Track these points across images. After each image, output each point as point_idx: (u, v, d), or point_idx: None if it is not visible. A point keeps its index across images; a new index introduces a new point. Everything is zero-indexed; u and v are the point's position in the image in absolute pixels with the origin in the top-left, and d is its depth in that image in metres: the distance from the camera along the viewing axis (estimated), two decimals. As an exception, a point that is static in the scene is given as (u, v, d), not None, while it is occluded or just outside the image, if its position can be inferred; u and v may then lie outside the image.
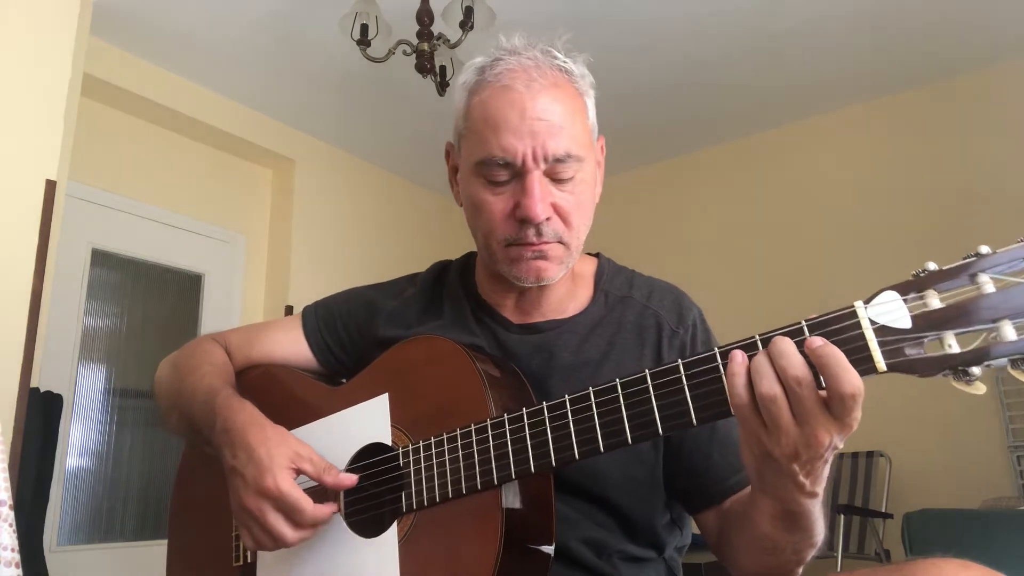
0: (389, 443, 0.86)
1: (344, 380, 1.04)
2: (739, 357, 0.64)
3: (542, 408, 0.75)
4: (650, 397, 0.69)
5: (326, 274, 3.99)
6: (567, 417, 0.74)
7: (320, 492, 0.84)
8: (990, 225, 3.39)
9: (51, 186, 2.30)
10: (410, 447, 0.84)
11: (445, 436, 0.81)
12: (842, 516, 3.17)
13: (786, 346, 0.62)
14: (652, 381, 0.70)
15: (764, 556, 0.76)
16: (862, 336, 0.61)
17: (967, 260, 0.59)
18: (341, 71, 3.48)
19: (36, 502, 2.30)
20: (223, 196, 3.85)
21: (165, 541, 1.09)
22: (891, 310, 0.61)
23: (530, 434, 0.75)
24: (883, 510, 3.28)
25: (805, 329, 0.63)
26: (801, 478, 0.65)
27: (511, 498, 0.76)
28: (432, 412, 0.84)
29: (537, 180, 0.83)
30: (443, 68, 2.81)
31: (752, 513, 0.75)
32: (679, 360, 0.69)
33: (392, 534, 0.82)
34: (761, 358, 0.63)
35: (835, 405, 0.60)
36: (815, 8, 3.14)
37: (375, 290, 1.08)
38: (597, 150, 0.93)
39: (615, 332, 0.92)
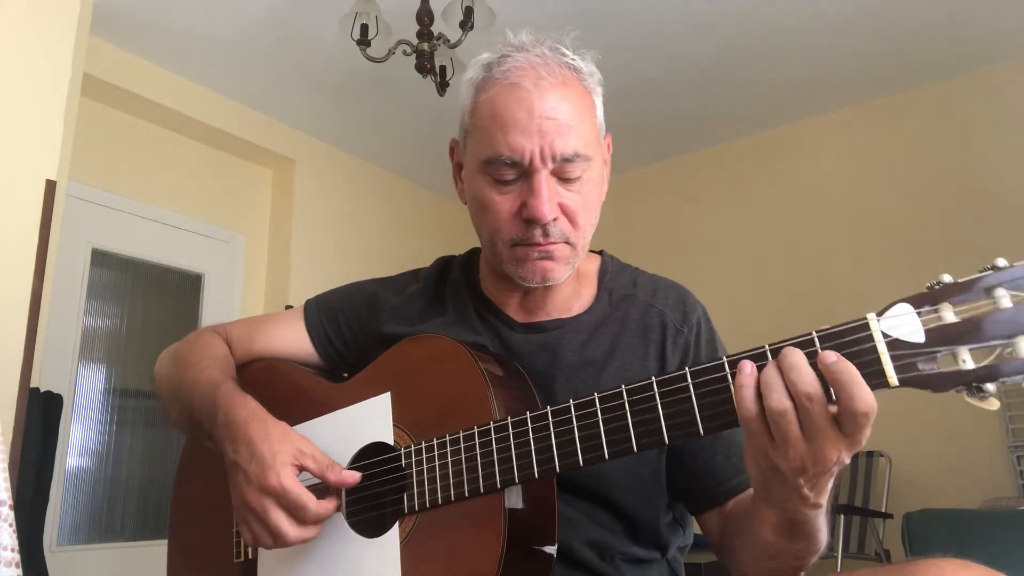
0: (391, 443, 0.86)
1: (346, 375, 1.03)
2: (748, 368, 0.62)
3: (546, 413, 0.74)
4: (656, 405, 0.68)
5: (326, 274, 3.99)
6: (571, 423, 0.73)
7: (321, 490, 0.83)
8: (990, 225, 3.40)
9: (51, 186, 2.29)
10: (412, 448, 0.83)
11: (448, 438, 0.80)
12: (842, 516, 3.17)
13: (797, 359, 0.60)
14: (659, 389, 0.69)
15: (766, 560, 0.76)
16: (874, 350, 0.59)
17: (983, 273, 0.58)
18: (341, 71, 3.47)
19: (36, 502, 2.29)
20: (223, 196, 3.85)
21: (165, 541, 1.08)
22: (904, 323, 0.59)
23: (534, 439, 0.74)
24: (883, 510, 3.28)
25: (816, 340, 0.61)
26: (806, 491, 0.64)
27: (514, 500, 0.76)
28: (434, 412, 0.83)
29: (544, 180, 0.81)
30: (443, 68, 2.81)
31: (754, 520, 0.74)
32: (687, 368, 0.67)
33: (394, 535, 0.82)
34: (771, 370, 0.61)
35: (846, 422, 0.59)
36: (816, 8, 3.13)
37: (379, 284, 1.07)
38: (604, 148, 0.92)
39: (619, 331, 0.92)
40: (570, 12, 3.06)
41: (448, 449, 0.80)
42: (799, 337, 0.62)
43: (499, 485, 0.75)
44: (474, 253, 1.04)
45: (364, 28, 2.64)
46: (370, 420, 0.88)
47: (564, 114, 0.81)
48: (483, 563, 0.74)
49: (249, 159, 3.98)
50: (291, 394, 1.00)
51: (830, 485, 0.65)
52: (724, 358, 0.66)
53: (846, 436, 0.60)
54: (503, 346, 0.93)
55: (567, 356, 0.90)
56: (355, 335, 1.04)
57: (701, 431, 0.66)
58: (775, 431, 0.61)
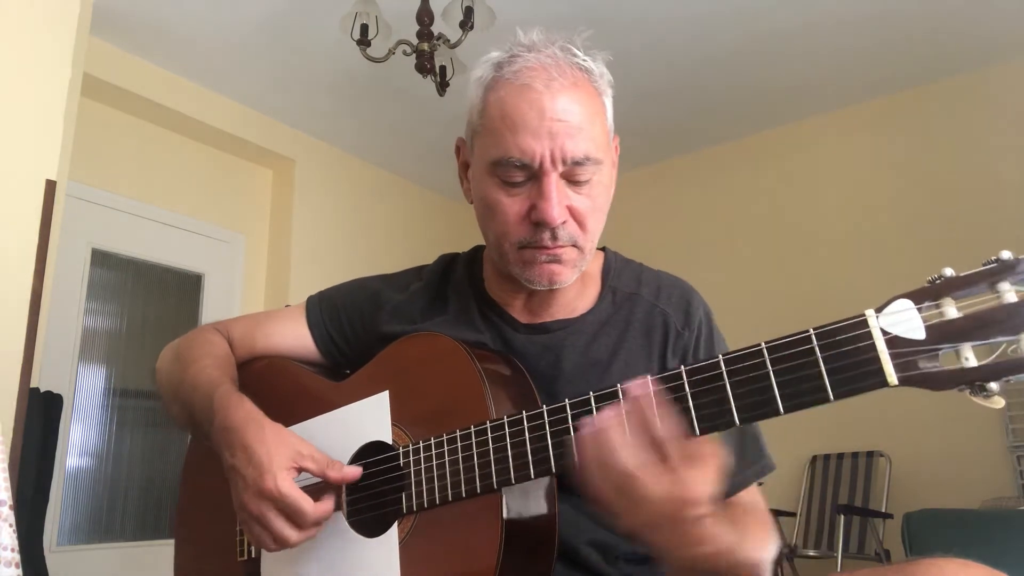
0: (390, 442, 0.86)
1: (348, 372, 1.03)
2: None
3: (542, 412, 0.74)
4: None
5: (326, 274, 3.98)
6: (567, 422, 0.72)
7: (319, 490, 0.83)
8: (990, 225, 3.40)
9: (51, 186, 2.29)
10: (410, 447, 0.83)
11: (445, 437, 0.80)
12: (842, 516, 3.17)
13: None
14: (655, 388, 0.68)
15: None
16: (873, 347, 0.57)
17: (987, 267, 0.55)
18: (341, 71, 3.48)
19: (36, 502, 2.30)
20: (223, 196, 3.85)
21: (165, 541, 1.09)
22: (904, 320, 0.56)
23: (530, 439, 0.74)
24: (883, 510, 3.28)
25: (813, 337, 0.60)
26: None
27: (512, 501, 0.75)
28: (432, 411, 0.83)
29: (554, 183, 0.80)
30: (443, 68, 2.81)
31: None
32: (683, 367, 0.67)
33: (393, 534, 0.82)
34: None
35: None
36: (816, 8, 3.14)
37: (382, 281, 1.05)
38: (613, 151, 0.90)
39: (623, 331, 0.91)
40: (570, 12, 3.06)
41: (445, 449, 0.80)
42: (796, 335, 0.61)
43: (496, 486, 0.75)
44: (478, 251, 1.03)
45: (364, 28, 2.64)
46: (369, 419, 0.88)
47: (575, 116, 0.80)
48: (482, 563, 0.74)
49: (249, 159, 3.98)
50: (291, 393, 1.00)
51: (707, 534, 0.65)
52: (720, 356, 0.64)
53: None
54: (506, 347, 0.92)
55: (571, 358, 0.89)
56: (357, 333, 1.03)
57: (697, 431, 0.65)
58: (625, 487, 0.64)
